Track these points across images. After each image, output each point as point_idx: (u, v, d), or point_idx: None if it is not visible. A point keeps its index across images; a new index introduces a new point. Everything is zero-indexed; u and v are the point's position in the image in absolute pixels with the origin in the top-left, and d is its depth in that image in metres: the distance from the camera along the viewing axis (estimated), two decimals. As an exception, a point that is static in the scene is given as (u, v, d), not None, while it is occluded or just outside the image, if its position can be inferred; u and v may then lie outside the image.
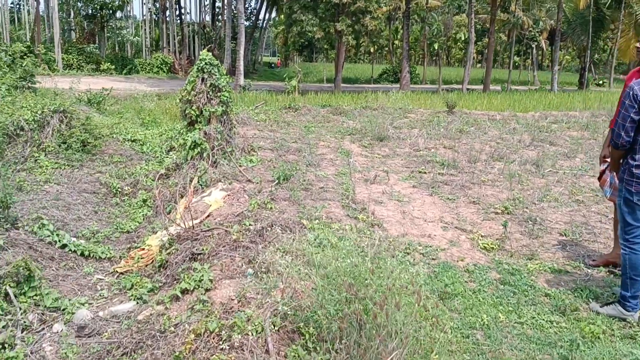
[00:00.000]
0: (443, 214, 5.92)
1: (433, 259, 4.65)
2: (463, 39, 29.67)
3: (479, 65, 68.75)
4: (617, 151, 3.60)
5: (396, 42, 52.60)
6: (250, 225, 4.74)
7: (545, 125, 12.41)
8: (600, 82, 43.08)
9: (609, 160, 4.41)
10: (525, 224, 5.66)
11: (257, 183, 6.31)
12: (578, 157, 9.02)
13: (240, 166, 6.92)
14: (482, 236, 5.27)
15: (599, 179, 4.59)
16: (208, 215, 5.38)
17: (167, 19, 38.72)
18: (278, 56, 76.08)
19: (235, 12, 30.77)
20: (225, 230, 4.66)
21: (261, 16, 45.37)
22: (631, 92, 3.43)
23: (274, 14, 51.47)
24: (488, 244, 5.02)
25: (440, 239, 5.16)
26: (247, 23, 37.76)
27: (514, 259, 4.77)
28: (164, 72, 33.68)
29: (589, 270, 4.51)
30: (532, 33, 41.34)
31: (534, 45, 45.90)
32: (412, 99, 16.52)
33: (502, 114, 14.37)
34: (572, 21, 33.57)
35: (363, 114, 12.76)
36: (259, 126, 10.29)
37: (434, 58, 64.81)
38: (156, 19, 41.88)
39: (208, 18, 46.68)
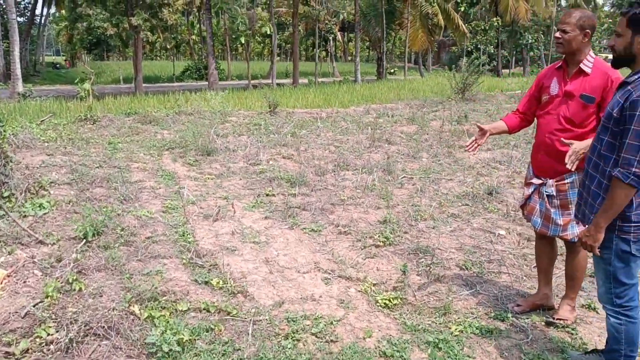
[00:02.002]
0: (315, 255, 4.65)
1: (332, 340, 3.34)
2: (269, 32, 28.87)
3: (277, 58, 69.37)
4: (630, 190, 2.50)
5: (193, 37, 50.39)
6: (49, 335, 2.97)
7: (372, 120, 11.89)
8: (392, 70, 45.88)
9: (536, 182, 3.50)
10: (416, 258, 4.63)
11: (54, 244, 4.41)
12: (423, 156, 8.43)
13: (24, 217, 4.90)
14: (374, 285, 4.11)
15: (522, 206, 3.67)
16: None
17: None
18: (63, 55, 68.50)
19: (3, 6, 26.15)
20: (6, 354, 2.84)
21: (38, 11, 39.91)
22: None
23: (53, 9, 45.79)
24: (388, 299, 3.86)
25: (328, 300, 3.88)
26: (20, 19, 32.68)
27: (425, 316, 3.67)
28: None
29: (524, 324, 3.58)
30: (329, 25, 42.34)
31: (330, 37, 47.25)
32: (229, 98, 15.06)
33: (326, 110, 13.64)
34: (367, 13, 34.81)
35: (178, 121, 11.00)
36: (48, 149, 8.01)
37: (234, 53, 63.86)
38: None
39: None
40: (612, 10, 53.03)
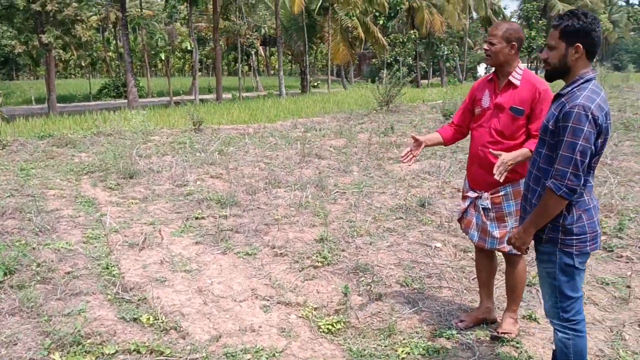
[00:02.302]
0: (252, 281, 4.43)
1: (277, 374, 3.14)
2: (189, 48, 28.27)
3: (199, 74, 68.30)
4: (562, 202, 2.53)
5: (110, 53, 48.76)
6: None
7: (300, 135, 11.79)
8: (315, 84, 46.24)
9: (471, 196, 3.47)
10: (355, 277, 4.51)
11: (-41, 288, 3.96)
12: (353, 170, 8.38)
13: None
14: (315, 310, 3.94)
15: (460, 220, 3.63)
16: None
17: None
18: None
19: None
20: None
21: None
22: (589, 116, 2.41)
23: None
24: (330, 324, 3.70)
25: (268, 329, 3.67)
26: None
27: (370, 339, 3.54)
28: None
29: (469, 340, 3.52)
30: (250, 40, 42.14)
31: (253, 52, 47.02)
32: (150, 117, 14.52)
33: (252, 126, 13.42)
34: (288, 27, 34.90)
35: (97, 143, 10.45)
36: (-50, 178, 7.35)
37: (153, 69, 62.38)
38: None
39: None
40: (519, 21, 55.87)
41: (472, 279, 4.47)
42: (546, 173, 2.60)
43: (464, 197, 3.55)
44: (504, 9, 55.21)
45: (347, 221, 5.91)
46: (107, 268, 4.54)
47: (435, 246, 5.22)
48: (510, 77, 3.25)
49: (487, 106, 3.34)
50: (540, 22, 51.39)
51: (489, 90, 3.37)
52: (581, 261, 2.62)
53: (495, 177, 3.02)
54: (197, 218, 5.99)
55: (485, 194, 3.35)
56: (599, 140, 2.47)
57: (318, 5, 33.10)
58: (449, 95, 19.37)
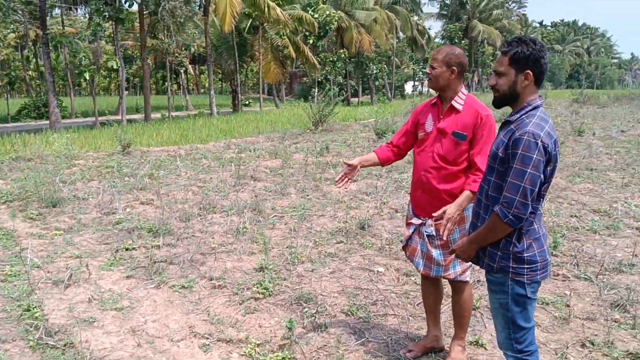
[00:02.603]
0: (189, 317, 4.17)
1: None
2: (115, 66, 27.34)
3: (126, 92, 66.41)
4: (508, 228, 2.49)
5: (30, 72, 46.54)
6: None
7: (234, 156, 11.54)
8: (247, 102, 45.93)
9: (416, 223, 3.39)
10: (299, 308, 4.34)
11: None
12: (291, 192, 8.24)
13: None
14: (258, 346, 3.74)
15: (404, 247, 3.54)
16: None
17: None
18: None
19: None
20: None
21: None
22: (539, 144, 2.37)
23: None
24: (276, 360, 3.52)
25: (209, 371, 3.44)
26: None
27: (318, 376, 3.38)
28: None
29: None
30: (179, 58, 41.40)
31: (182, 70, 46.22)
32: (74, 139, 13.84)
33: (184, 147, 13.05)
34: (218, 46, 34.53)
35: (16, 168, 9.80)
36: None
37: (77, 88, 60.20)
38: None
39: None
40: (443, 41, 57.91)
41: (417, 305, 4.40)
42: (495, 201, 2.56)
43: (408, 224, 3.46)
44: (429, 29, 57.11)
45: (287, 247, 5.74)
46: (29, 310, 4.15)
47: (377, 271, 5.13)
48: (453, 102, 3.21)
49: (430, 130, 3.29)
50: (463, 42, 53.55)
51: (432, 115, 3.32)
52: (533, 290, 2.58)
53: (444, 237, 3.01)
54: (127, 249, 5.64)
55: (429, 220, 3.28)
56: (548, 168, 2.45)
57: (248, 25, 32.96)
58: (380, 113, 19.69)
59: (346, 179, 3.52)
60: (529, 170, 2.38)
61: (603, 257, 5.42)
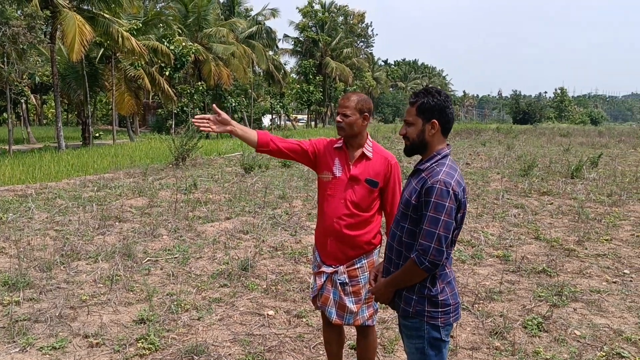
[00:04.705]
0: (66, 384, 3.71)
1: None
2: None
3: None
4: (423, 274, 2.52)
5: None
6: None
7: (93, 195, 10.74)
8: (97, 134, 43.37)
9: (327, 271, 3.31)
10: (191, 362, 4.06)
11: None
12: (162, 233, 7.80)
13: None
14: (152, 410, 3.42)
15: (315, 298, 3.43)
16: None
17: None
18: None
19: None
20: None
21: None
22: (450, 192, 2.43)
23: None
24: None
25: None
26: None
27: None
28: None
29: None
30: (20, 87, 38.09)
31: (23, 100, 42.53)
32: None
33: (33, 186, 11.88)
34: (66, 75, 32.35)
35: None
36: None
37: None
38: None
39: None
40: (298, 77, 59.73)
41: (313, 348, 4.34)
42: (409, 247, 2.60)
43: (318, 274, 3.37)
44: (285, 64, 58.58)
45: (168, 295, 5.40)
46: None
47: (267, 314, 4.99)
48: (364, 150, 3.23)
49: (339, 176, 3.25)
50: (317, 77, 55.65)
51: (339, 160, 3.27)
52: (446, 333, 2.64)
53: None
54: (-20, 308, 4.94)
55: (341, 267, 3.24)
56: (459, 215, 2.55)
57: (100, 54, 31.36)
58: (244, 147, 19.61)
59: (206, 123, 3.19)
60: (442, 217, 2.45)
61: (475, 286, 5.79)
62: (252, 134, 3.26)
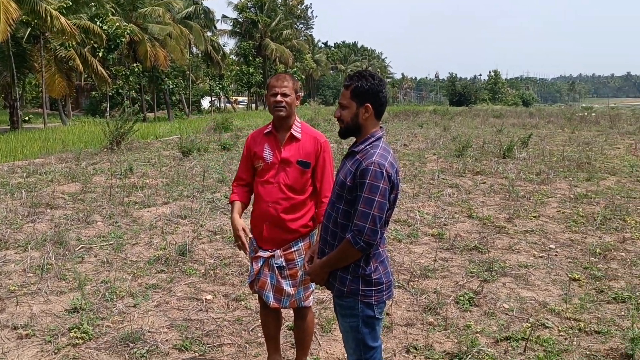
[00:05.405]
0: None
1: None
2: None
3: None
4: (358, 254, 2.58)
5: None
6: None
7: (23, 181, 10.30)
8: (27, 118, 41.43)
9: (264, 255, 3.32)
10: (126, 349, 3.99)
11: None
12: (97, 219, 7.59)
13: None
14: (86, 399, 3.36)
15: (252, 282, 3.43)
16: None
17: None
18: None
19: None
20: None
21: None
22: (384, 173, 2.48)
23: None
24: (110, 413, 3.19)
25: None
26: None
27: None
28: None
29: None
30: (-62, 68, 35.81)
31: (-58, 82, 40.02)
32: None
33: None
34: (-9, 56, 30.61)
35: None
36: None
37: None
38: None
39: None
40: (237, 58, 58.81)
41: (252, 330, 4.36)
42: (344, 228, 2.65)
43: (255, 258, 3.37)
44: (224, 46, 57.54)
45: (103, 282, 5.28)
46: None
47: (205, 299, 4.97)
48: (293, 131, 3.25)
49: (271, 161, 3.26)
50: (257, 59, 55.03)
51: (269, 144, 3.29)
52: (380, 311, 2.72)
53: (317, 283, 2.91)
54: None
55: (278, 251, 3.26)
56: (392, 195, 2.61)
57: (27, 33, 29.85)
58: (182, 130, 19.26)
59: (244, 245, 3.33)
60: (376, 198, 2.51)
61: (411, 264, 5.96)
62: (239, 206, 3.40)
